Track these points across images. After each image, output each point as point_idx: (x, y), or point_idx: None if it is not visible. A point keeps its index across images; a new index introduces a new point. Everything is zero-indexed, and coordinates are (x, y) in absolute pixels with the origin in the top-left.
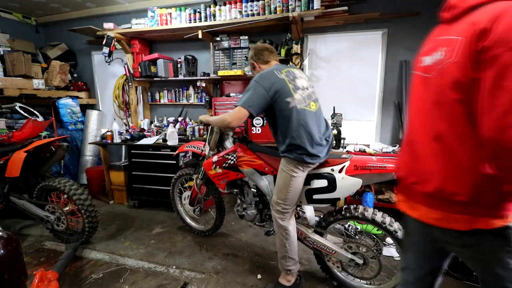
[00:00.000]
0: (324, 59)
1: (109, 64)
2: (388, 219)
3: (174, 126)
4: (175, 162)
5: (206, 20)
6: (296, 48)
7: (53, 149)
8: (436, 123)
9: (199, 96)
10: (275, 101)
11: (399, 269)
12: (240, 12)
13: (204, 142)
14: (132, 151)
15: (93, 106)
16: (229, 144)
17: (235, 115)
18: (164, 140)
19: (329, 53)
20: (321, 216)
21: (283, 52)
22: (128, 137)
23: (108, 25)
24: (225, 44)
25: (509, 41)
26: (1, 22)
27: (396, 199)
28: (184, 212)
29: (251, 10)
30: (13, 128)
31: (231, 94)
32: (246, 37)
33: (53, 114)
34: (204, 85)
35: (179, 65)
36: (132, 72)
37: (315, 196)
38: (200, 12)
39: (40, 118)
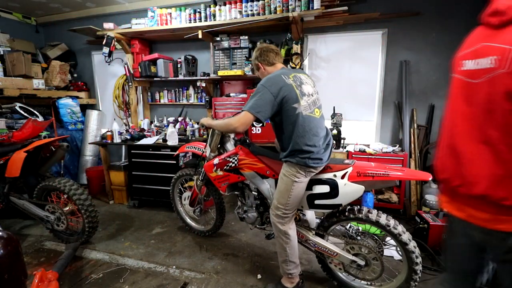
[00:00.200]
0: (324, 59)
1: (109, 64)
2: (392, 222)
3: (174, 126)
4: (175, 162)
5: (206, 20)
6: (296, 48)
7: (53, 149)
8: (486, 130)
9: (199, 96)
10: (282, 107)
11: (399, 272)
12: (240, 12)
13: (204, 143)
14: (132, 151)
15: (93, 106)
16: (230, 146)
17: (241, 120)
18: (164, 140)
19: (329, 53)
20: (322, 217)
21: (283, 52)
22: (128, 137)
23: (108, 25)
24: (225, 44)
25: None
26: (1, 22)
27: (440, 200)
28: (184, 212)
29: (251, 10)
30: (13, 128)
31: (231, 94)
32: (246, 37)
33: (53, 114)
34: (204, 85)
35: (179, 65)
36: (132, 72)
37: (317, 202)
38: (200, 12)
39: (40, 118)
